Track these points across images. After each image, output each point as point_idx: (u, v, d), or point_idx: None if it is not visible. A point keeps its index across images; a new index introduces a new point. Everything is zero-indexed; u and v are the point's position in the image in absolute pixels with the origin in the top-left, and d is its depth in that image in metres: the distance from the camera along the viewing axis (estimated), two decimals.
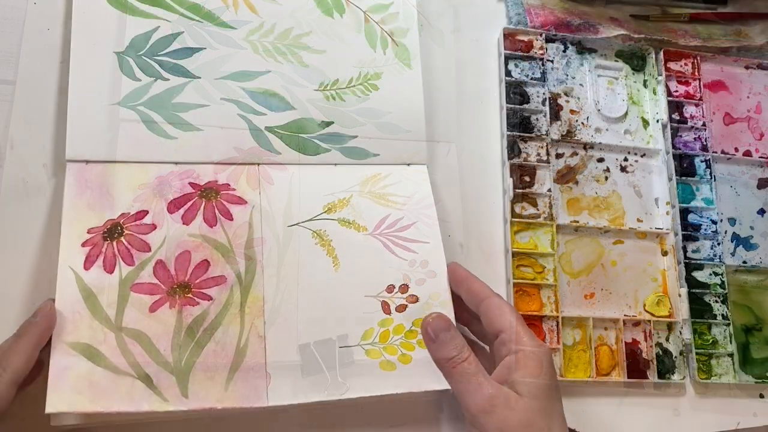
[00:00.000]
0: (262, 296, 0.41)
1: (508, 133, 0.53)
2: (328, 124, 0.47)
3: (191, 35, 0.46)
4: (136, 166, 0.43)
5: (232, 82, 0.46)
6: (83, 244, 0.40)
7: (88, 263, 0.39)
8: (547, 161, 0.53)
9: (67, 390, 0.35)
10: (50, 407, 0.35)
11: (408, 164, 0.49)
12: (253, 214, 0.43)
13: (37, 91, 0.45)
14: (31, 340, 0.36)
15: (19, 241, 0.42)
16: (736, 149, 0.58)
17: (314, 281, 0.43)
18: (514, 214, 0.51)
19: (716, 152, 0.57)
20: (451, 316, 0.43)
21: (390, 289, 0.44)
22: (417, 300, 0.43)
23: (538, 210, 0.52)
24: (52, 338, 0.37)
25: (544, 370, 0.39)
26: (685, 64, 0.59)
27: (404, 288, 0.44)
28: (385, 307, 0.43)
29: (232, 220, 0.43)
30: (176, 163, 0.44)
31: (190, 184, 0.43)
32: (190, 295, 0.40)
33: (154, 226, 0.41)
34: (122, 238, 0.40)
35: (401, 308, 0.43)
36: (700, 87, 0.59)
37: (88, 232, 0.40)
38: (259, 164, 0.45)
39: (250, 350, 0.39)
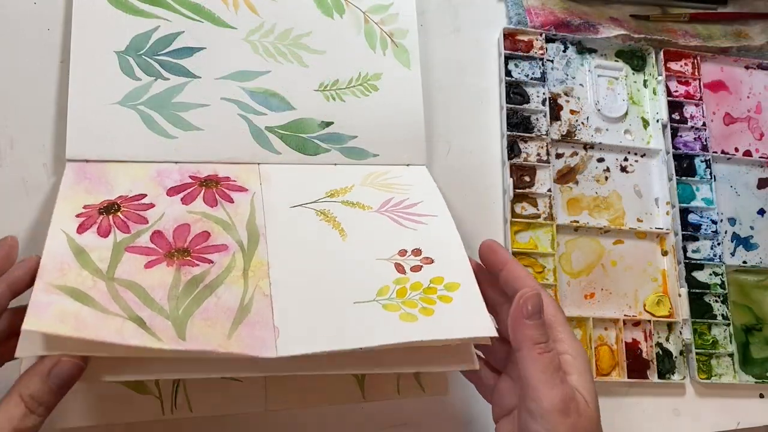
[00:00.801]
0: (266, 261, 0.39)
1: (508, 133, 0.53)
2: (328, 124, 0.48)
3: (191, 35, 0.46)
4: (136, 165, 0.43)
5: (232, 81, 0.46)
6: (77, 216, 0.38)
7: (81, 229, 0.37)
8: (547, 161, 0.53)
9: (50, 319, 0.32)
10: (28, 325, 0.31)
11: (407, 165, 0.49)
12: (255, 199, 0.43)
13: (37, 91, 0.45)
14: None
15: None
16: (736, 149, 0.58)
17: (321, 250, 0.41)
18: (514, 214, 0.51)
19: (716, 152, 0.57)
20: (475, 285, 0.40)
21: (402, 253, 0.41)
22: (432, 261, 0.41)
23: (538, 210, 0.52)
24: (35, 281, 0.33)
25: (591, 374, 0.37)
26: (685, 64, 0.59)
27: (417, 252, 0.41)
28: (399, 268, 0.41)
29: (232, 202, 0.42)
30: (176, 163, 0.44)
31: (191, 176, 0.43)
32: (189, 258, 0.38)
33: (152, 205, 0.40)
34: (119, 213, 0.39)
35: (416, 269, 0.40)
36: (700, 87, 0.59)
37: (83, 207, 0.39)
38: (259, 164, 0.45)
39: (255, 307, 0.36)
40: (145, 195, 0.41)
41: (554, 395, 0.35)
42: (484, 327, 0.37)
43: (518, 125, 0.54)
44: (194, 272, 0.37)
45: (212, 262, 0.38)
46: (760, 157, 0.59)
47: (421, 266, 0.41)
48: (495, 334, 0.37)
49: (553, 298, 0.40)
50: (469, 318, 0.38)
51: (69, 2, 0.45)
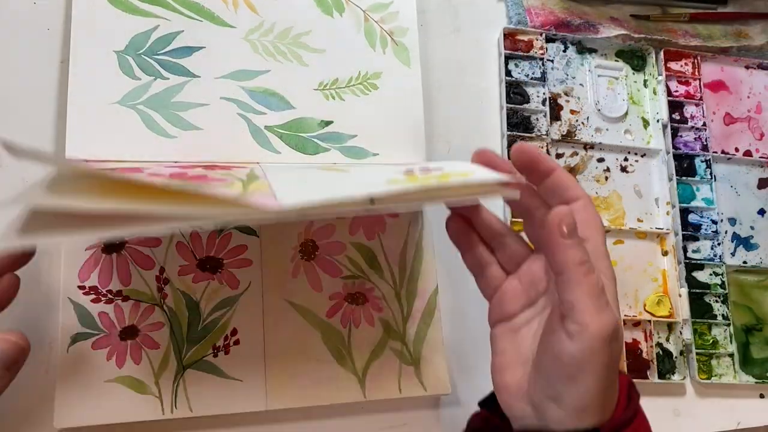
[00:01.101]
0: (267, 184, 0.35)
1: (508, 133, 0.53)
2: (328, 123, 0.47)
3: (191, 34, 0.46)
4: (136, 164, 0.43)
5: (231, 81, 0.46)
6: None
7: None
8: None
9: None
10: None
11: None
12: (253, 167, 0.41)
13: (37, 91, 0.45)
14: None
15: None
16: (737, 149, 0.58)
17: (325, 176, 0.39)
18: (514, 214, 0.51)
19: (716, 152, 0.57)
20: (488, 169, 0.36)
21: (410, 170, 0.38)
22: (442, 169, 0.37)
23: None
24: None
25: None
26: (685, 64, 0.59)
27: (426, 169, 0.38)
28: (409, 173, 0.36)
29: (230, 170, 0.40)
30: (176, 162, 0.44)
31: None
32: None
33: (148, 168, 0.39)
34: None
35: (426, 171, 0.37)
36: (700, 87, 0.59)
37: None
38: (259, 163, 0.45)
39: (254, 192, 0.32)
40: (142, 169, 0.39)
41: (601, 320, 0.32)
42: (508, 176, 0.34)
43: (518, 125, 0.54)
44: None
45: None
46: (760, 157, 0.58)
47: (431, 170, 0.37)
48: (522, 180, 0.33)
49: (593, 207, 0.36)
50: (488, 174, 0.35)
51: (69, 2, 0.45)
